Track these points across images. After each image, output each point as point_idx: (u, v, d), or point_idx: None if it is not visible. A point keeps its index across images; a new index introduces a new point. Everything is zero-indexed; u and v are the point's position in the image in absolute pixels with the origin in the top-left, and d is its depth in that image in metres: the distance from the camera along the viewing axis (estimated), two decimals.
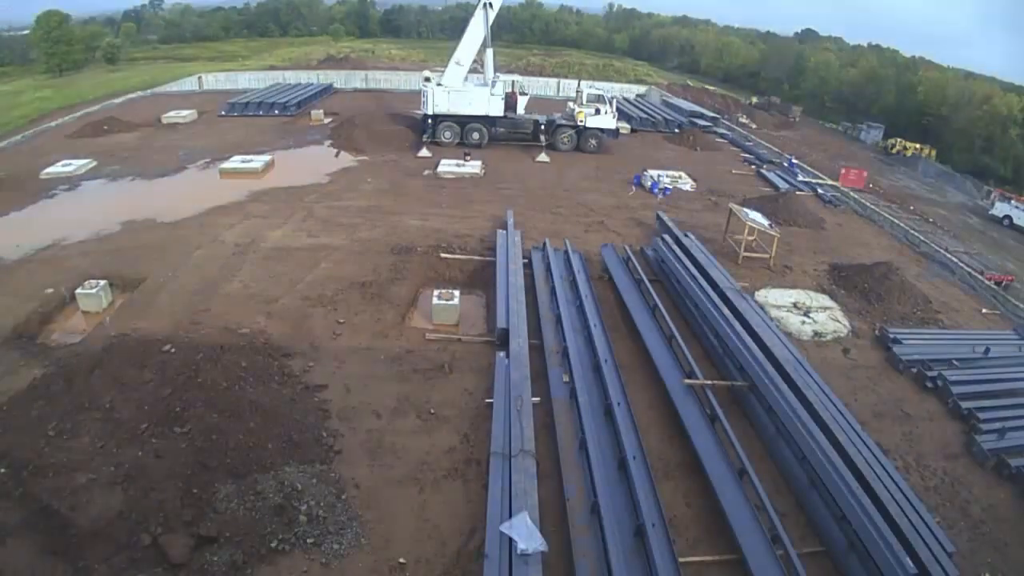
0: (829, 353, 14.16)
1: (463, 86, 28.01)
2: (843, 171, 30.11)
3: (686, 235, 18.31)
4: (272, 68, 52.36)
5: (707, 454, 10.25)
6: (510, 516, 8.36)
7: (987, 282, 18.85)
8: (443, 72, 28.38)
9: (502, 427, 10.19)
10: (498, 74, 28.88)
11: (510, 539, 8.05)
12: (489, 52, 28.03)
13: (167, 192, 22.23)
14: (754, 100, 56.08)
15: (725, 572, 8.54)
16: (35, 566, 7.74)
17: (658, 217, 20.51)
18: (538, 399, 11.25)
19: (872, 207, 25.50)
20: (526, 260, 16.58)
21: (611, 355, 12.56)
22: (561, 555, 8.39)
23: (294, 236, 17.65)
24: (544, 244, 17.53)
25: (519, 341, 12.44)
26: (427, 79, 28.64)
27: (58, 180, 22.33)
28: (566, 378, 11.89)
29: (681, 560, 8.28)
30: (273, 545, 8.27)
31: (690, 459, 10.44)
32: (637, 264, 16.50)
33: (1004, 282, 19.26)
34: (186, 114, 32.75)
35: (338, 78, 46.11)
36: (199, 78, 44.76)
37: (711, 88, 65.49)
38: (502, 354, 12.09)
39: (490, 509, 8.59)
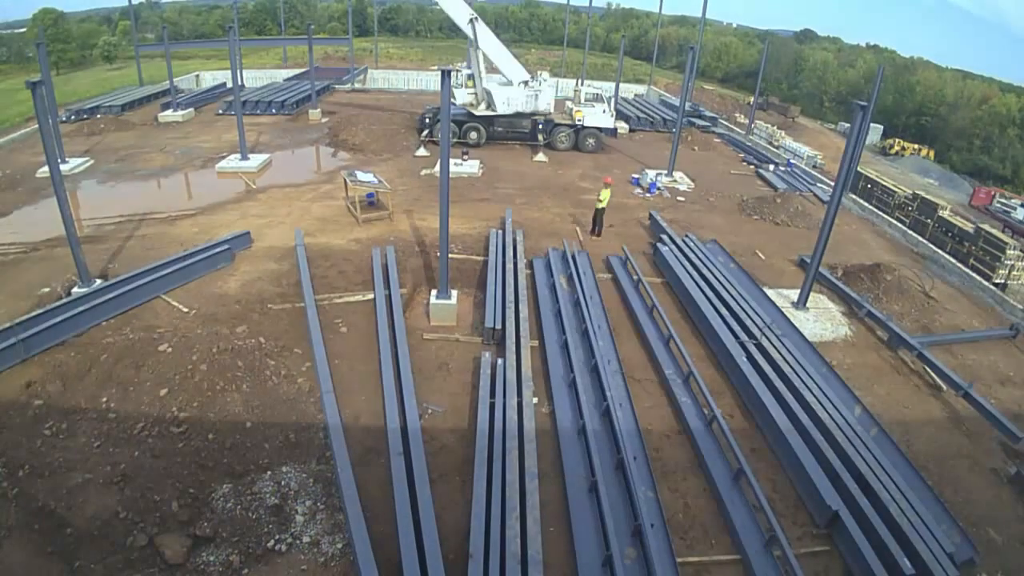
0: (827, 353, 14.15)
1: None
2: None
3: (687, 236, 18.32)
4: (271, 67, 52.32)
5: (708, 454, 10.28)
6: (501, 520, 8.38)
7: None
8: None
9: (485, 426, 10.20)
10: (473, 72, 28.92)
11: (499, 540, 8.07)
12: (479, 54, 27.99)
13: (164, 191, 22.21)
14: (751, 100, 56.22)
15: (726, 572, 8.53)
16: (31, 566, 7.71)
17: (651, 217, 20.52)
18: (537, 399, 11.28)
19: (870, 207, 25.51)
20: (527, 260, 16.58)
21: (615, 355, 12.54)
22: (562, 554, 8.40)
23: (291, 235, 17.60)
24: (547, 249, 17.52)
25: (515, 341, 12.43)
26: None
27: None
28: (548, 393, 11.87)
29: (680, 560, 8.29)
30: (270, 545, 8.25)
31: (692, 458, 10.46)
32: (635, 265, 16.47)
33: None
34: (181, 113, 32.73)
35: (336, 77, 46.03)
36: (197, 76, 44.77)
37: (709, 88, 65.54)
38: (487, 354, 12.08)
39: (474, 509, 8.60)
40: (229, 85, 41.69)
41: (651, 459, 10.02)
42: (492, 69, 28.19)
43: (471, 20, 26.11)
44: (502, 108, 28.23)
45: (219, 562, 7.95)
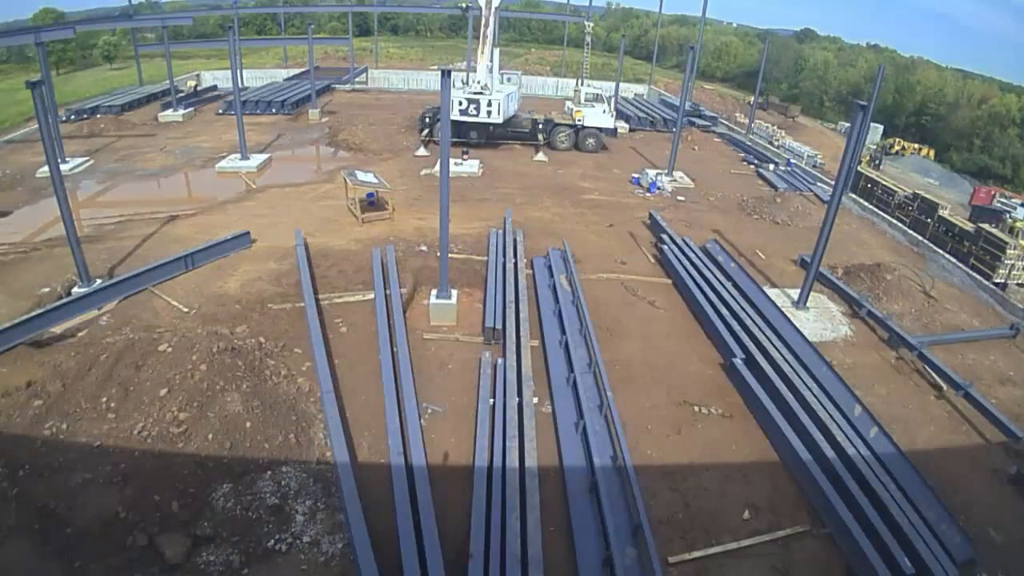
0: (828, 353, 14.14)
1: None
2: None
3: (685, 240, 18.31)
4: (271, 66, 52.30)
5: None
6: (501, 520, 8.38)
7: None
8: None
9: (485, 427, 10.23)
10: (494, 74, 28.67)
11: (500, 540, 8.07)
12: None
13: (164, 191, 22.25)
14: (751, 99, 56.22)
15: (725, 570, 8.53)
16: (31, 566, 7.71)
17: (651, 216, 20.52)
18: (537, 399, 11.28)
19: (870, 206, 25.49)
20: (527, 259, 16.59)
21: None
22: (562, 554, 8.41)
23: (291, 235, 17.58)
24: (547, 249, 17.51)
25: (515, 341, 12.42)
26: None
27: None
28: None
29: (677, 560, 8.30)
30: (270, 545, 8.25)
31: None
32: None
33: None
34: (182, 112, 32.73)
35: (336, 76, 46.01)
36: (197, 75, 44.76)
37: (709, 87, 65.54)
38: (487, 354, 12.09)
39: (474, 509, 8.63)
40: (220, 85, 41.78)
41: (651, 458, 10.04)
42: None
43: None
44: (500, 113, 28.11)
45: (219, 562, 7.95)
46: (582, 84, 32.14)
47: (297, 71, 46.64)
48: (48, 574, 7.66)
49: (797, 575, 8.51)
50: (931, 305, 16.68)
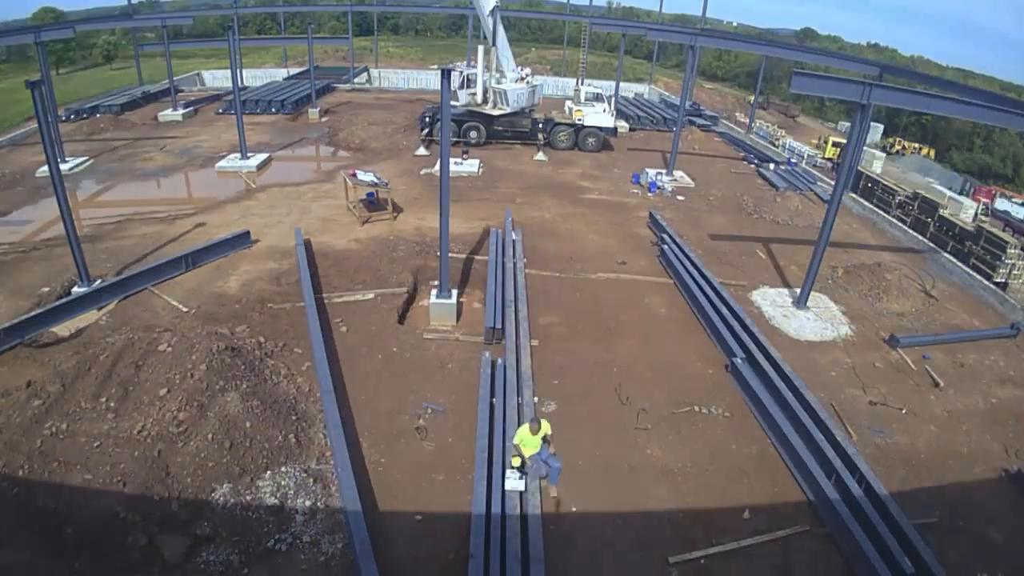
0: (828, 352, 14.14)
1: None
2: None
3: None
4: (270, 66, 52.27)
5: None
6: (501, 520, 8.38)
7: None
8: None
9: (485, 427, 10.21)
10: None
11: (500, 539, 8.08)
12: (495, 50, 27.95)
13: (163, 191, 22.23)
14: (752, 99, 56.15)
15: (726, 569, 8.53)
16: (31, 566, 7.70)
17: (651, 215, 20.50)
18: (537, 399, 11.27)
19: (870, 206, 25.47)
20: (526, 259, 16.59)
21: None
22: (564, 554, 8.41)
23: (291, 234, 17.58)
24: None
25: (515, 341, 12.42)
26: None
27: None
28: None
29: (677, 560, 8.30)
30: (270, 544, 8.24)
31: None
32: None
33: None
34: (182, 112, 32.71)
35: (336, 76, 46.02)
36: (198, 75, 44.75)
37: (710, 87, 65.49)
38: (487, 354, 12.11)
39: (474, 509, 8.62)
40: (220, 85, 41.71)
41: (652, 458, 10.03)
42: (494, 66, 28.10)
43: (493, 9, 26.12)
44: (513, 105, 28.27)
45: (219, 562, 7.94)
46: (582, 83, 32.10)
47: (297, 70, 46.59)
48: (48, 574, 7.65)
49: (797, 575, 8.51)
50: (931, 305, 16.67)
